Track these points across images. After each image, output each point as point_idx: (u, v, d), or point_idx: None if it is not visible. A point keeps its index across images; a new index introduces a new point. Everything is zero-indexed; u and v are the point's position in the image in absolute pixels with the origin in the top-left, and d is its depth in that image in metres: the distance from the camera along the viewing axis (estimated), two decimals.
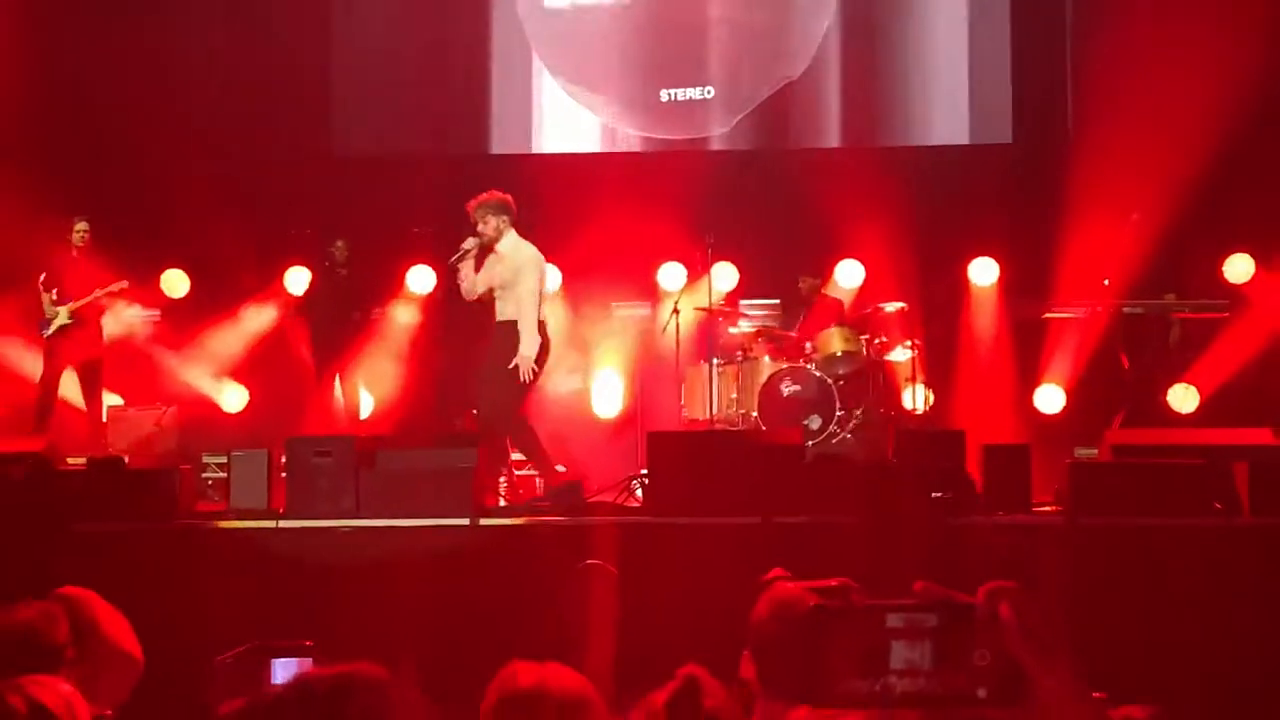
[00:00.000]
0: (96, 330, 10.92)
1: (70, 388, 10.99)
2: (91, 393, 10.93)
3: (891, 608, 1.66)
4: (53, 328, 10.60)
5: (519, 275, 8.97)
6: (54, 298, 10.65)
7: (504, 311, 9.02)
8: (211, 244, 11.54)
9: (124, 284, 10.84)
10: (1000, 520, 7.54)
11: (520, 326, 8.85)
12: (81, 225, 10.71)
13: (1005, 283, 11.83)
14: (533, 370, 8.81)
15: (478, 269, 9.18)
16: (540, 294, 9.04)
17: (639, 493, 8.49)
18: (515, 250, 9.06)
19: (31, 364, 11.05)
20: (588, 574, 5.69)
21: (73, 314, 10.61)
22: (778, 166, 12.37)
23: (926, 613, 1.65)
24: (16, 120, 11.28)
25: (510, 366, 8.77)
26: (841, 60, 12.54)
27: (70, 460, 9.19)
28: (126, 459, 10.14)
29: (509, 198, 9.12)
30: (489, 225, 9.03)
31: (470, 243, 9.08)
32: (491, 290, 9.08)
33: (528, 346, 8.81)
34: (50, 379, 10.75)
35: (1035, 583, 6.70)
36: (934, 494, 7.37)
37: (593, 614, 5.58)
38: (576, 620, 5.57)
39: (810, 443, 9.69)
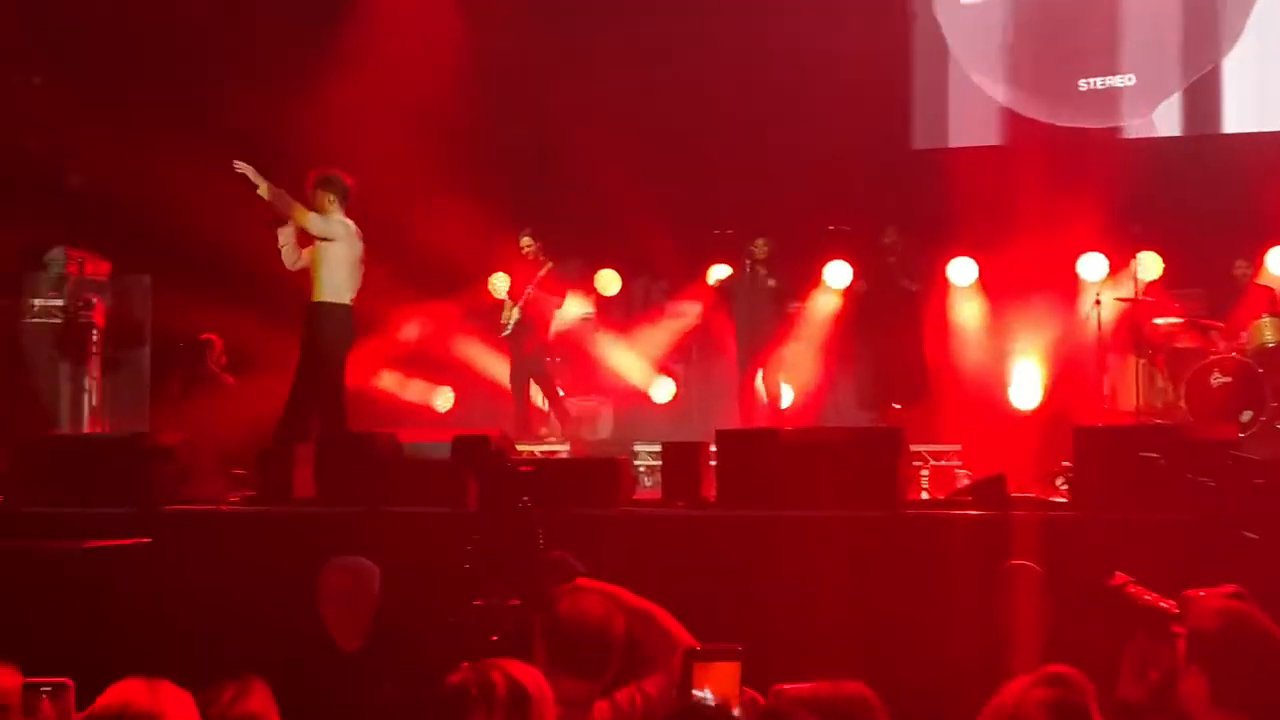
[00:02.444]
0: (543, 325, 11.74)
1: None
2: (544, 384, 11.77)
3: None
4: (509, 328, 11.47)
5: (339, 261, 8.93)
6: (510, 302, 11.56)
7: (322, 292, 8.99)
8: (640, 245, 12.20)
9: (549, 266, 11.52)
10: None
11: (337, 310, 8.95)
12: (527, 240, 11.50)
13: None
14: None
15: (305, 244, 9.02)
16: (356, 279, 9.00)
17: (1063, 487, 8.41)
18: (341, 231, 8.96)
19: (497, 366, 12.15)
20: (1013, 574, 5.69)
21: (521, 309, 11.44)
22: (1203, 152, 11.94)
23: None
24: (467, 133, 12.20)
25: (334, 349, 8.92)
26: (1269, 40, 11.97)
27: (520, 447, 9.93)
28: (568, 447, 10.93)
29: (349, 179, 9.02)
30: (317, 199, 8.90)
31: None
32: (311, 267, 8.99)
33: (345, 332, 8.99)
34: (517, 374, 11.70)
35: None
36: None
37: (1019, 615, 5.56)
38: (1003, 621, 5.58)
39: (1242, 436, 9.36)
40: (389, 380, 12.83)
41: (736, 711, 2.71)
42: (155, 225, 11.56)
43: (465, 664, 3.29)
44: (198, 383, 11.89)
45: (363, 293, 11.27)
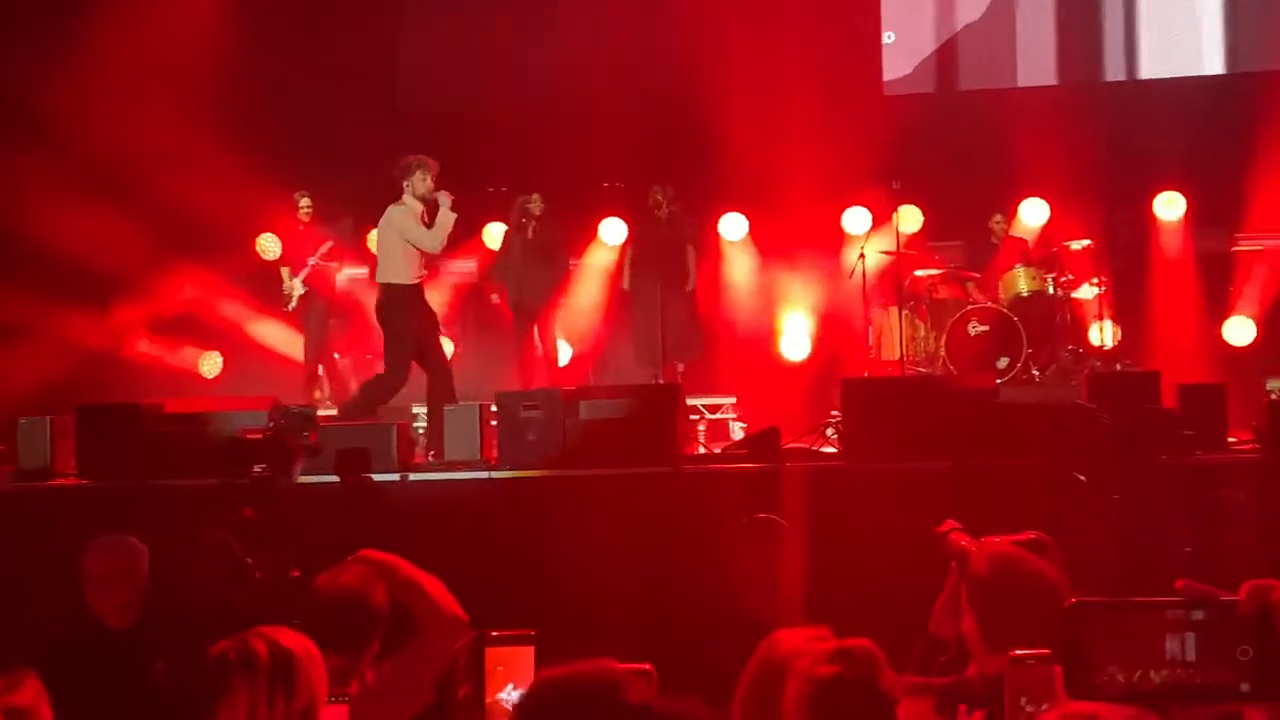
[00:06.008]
0: (330, 293, 11.63)
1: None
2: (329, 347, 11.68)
3: (1154, 604, 1.70)
4: (294, 301, 11.29)
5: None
6: (289, 273, 11.33)
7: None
8: None
9: (329, 244, 11.38)
10: (1200, 460, 7.46)
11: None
12: (305, 201, 11.29)
13: (1191, 216, 11.66)
14: None
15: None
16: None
17: (833, 436, 8.63)
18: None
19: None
20: (757, 527, 5.76)
21: (305, 283, 11.25)
22: (959, 108, 12.35)
23: (1189, 609, 1.69)
24: (233, 95, 11.81)
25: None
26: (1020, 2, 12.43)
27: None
28: (338, 410, 10.75)
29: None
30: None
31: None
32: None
33: None
34: (308, 345, 11.54)
35: (1234, 521, 6.70)
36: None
37: (763, 567, 5.63)
38: (749, 573, 5.65)
39: (1000, 382, 9.73)
40: (151, 346, 12.39)
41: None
42: None
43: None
44: None
45: (126, 257, 10.94)
